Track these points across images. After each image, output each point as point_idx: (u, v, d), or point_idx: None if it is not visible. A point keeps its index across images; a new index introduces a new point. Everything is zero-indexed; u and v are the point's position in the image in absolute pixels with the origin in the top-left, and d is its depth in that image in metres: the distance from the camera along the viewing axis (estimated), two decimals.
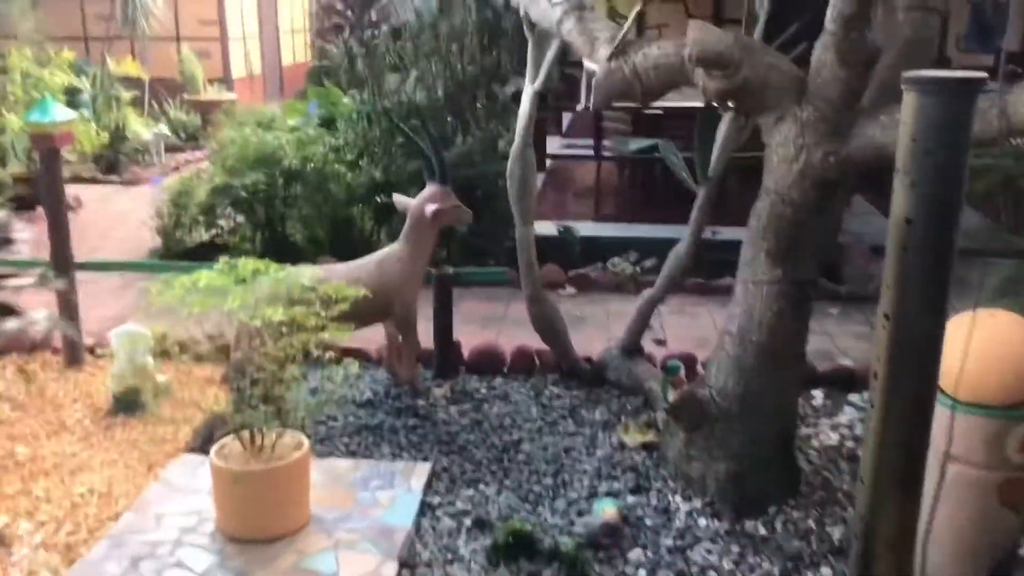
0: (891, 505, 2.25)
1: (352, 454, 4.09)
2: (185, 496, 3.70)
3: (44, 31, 10.74)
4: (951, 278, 1.91)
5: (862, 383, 4.89)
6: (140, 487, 3.80)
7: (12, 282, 3.34)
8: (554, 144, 11.92)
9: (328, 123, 7.84)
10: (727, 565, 3.34)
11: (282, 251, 7.09)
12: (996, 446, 3.01)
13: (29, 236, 7.59)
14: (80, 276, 6.08)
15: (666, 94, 3.82)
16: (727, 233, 6.58)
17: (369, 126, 6.87)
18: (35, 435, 4.23)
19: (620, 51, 3.79)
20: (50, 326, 4.60)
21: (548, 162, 10.96)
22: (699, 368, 4.81)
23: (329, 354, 3.41)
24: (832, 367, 5.02)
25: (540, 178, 10.69)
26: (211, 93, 12.65)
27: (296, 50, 16.35)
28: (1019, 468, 3.01)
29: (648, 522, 3.57)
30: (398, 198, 4.62)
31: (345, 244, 6.62)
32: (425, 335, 4.89)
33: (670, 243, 4.72)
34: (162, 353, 4.30)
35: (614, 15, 12.24)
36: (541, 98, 6.87)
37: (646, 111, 9.26)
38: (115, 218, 8.57)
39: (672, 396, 3.75)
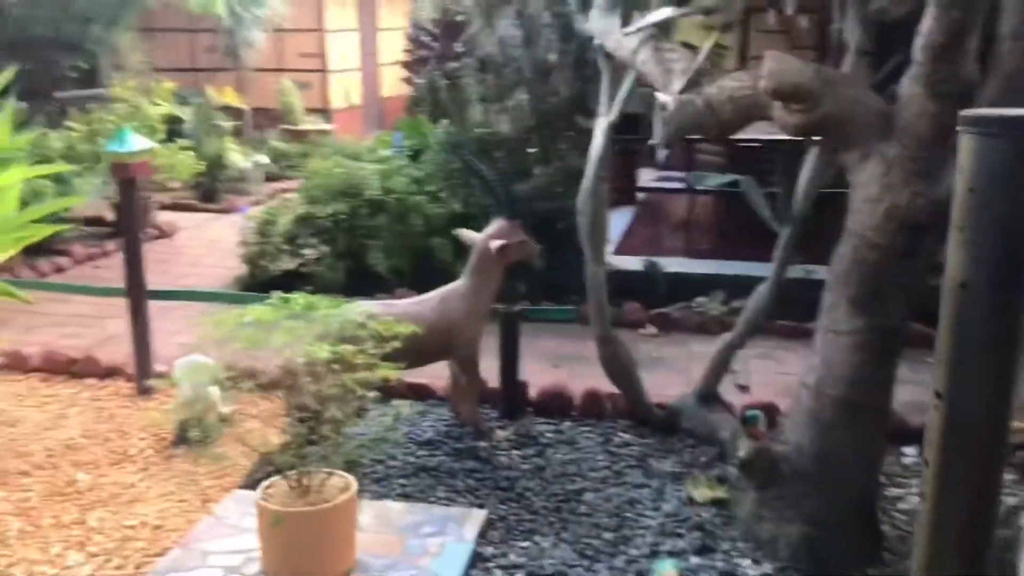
0: None
1: (407, 497, 3.96)
2: (235, 534, 3.62)
3: (151, 62, 11.15)
4: (1018, 352, 1.65)
5: None
6: (192, 522, 3.74)
7: None
8: (648, 177, 11.73)
9: (418, 154, 7.83)
10: None
11: (364, 281, 7.09)
12: None
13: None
14: (169, 304, 6.19)
15: (741, 129, 3.61)
16: (822, 272, 6.26)
17: (450, 158, 6.80)
18: (98, 463, 4.24)
19: (693, 82, 3.61)
20: None
21: (639, 195, 10.77)
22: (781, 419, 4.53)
23: (373, 394, 3.27)
24: (924, 421, 4.64)
25: (630, 212, 10.55)
26: (309, 123, 12.88)
27: (398, 82, 16.57)
28: None
29: None
30: (464, 233, 4.51)
31: (426, 275, 6.56)
32: (493, 374, 4.75)
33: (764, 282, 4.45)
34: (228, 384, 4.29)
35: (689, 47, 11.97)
36: (632, 129, 6.69)
37: (742, 144, 9.00)
38: (207, 245, 8.73)
39: (743, 450, 3.50)
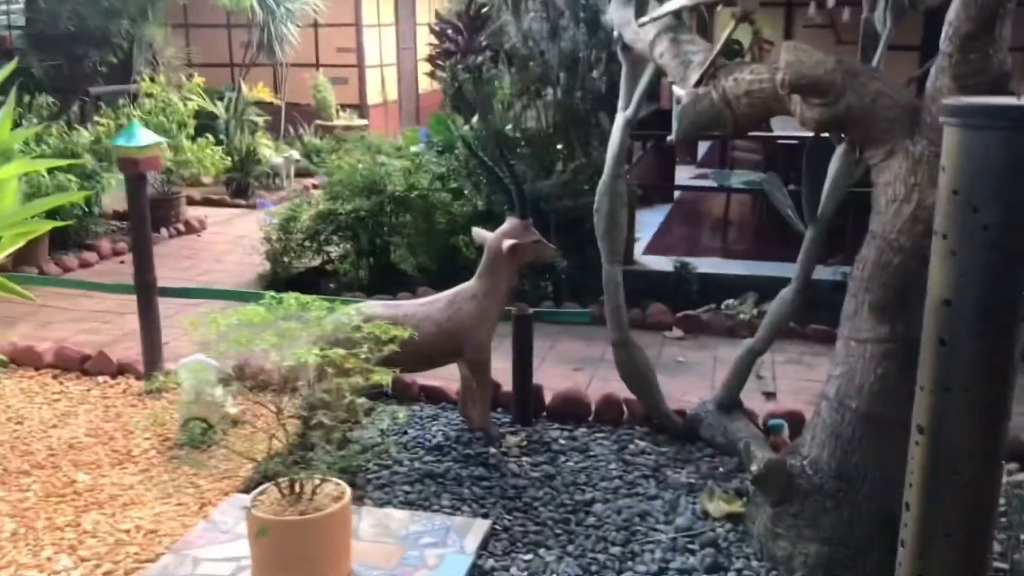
0: None
1: (410, 504, 3.82)
2: (229, 541, 3.51)
3: (186, 57, 11.16)
4: (1012, 378, 1.43)
5: None
6: (188, 527, 3.64)
7: None
8: (686, 174, 11.49)
9: (447, 151, 7.71)
10: None
11: (390, 279, 6.99)
12: None
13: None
14: (190, 301, 6.14)
15: (759, 124, 3.42)
16: None
17: (473, 154, 6.65)
18: (99, 464, 4.17)
19: (709, 75, 3.42)
20: None
21: (676, 193, 10.54)
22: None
23: (362, 401, 3.14)
24: None
25: (666, 210, 10.32)
26: (343, 119, 12.83)
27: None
28: None
29: None
30: (477, 232, 4.36)
31: (452, 274, 6.44)
32: (507, 377, 4.61)
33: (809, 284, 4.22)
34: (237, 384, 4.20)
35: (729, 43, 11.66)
36: (668, 125, 6.50)
37: (780, 141, 8.74)
38: (235, 241, 8.69)
39: (757, 464, 3.31)
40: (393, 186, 6.71)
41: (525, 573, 3.36)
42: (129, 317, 6.14)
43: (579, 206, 6.23)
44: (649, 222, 9.76)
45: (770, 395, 5.09)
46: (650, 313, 6.24)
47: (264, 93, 11.12)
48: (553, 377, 5.31)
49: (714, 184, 8.32)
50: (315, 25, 13.67)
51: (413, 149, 8.09)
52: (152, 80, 8.73)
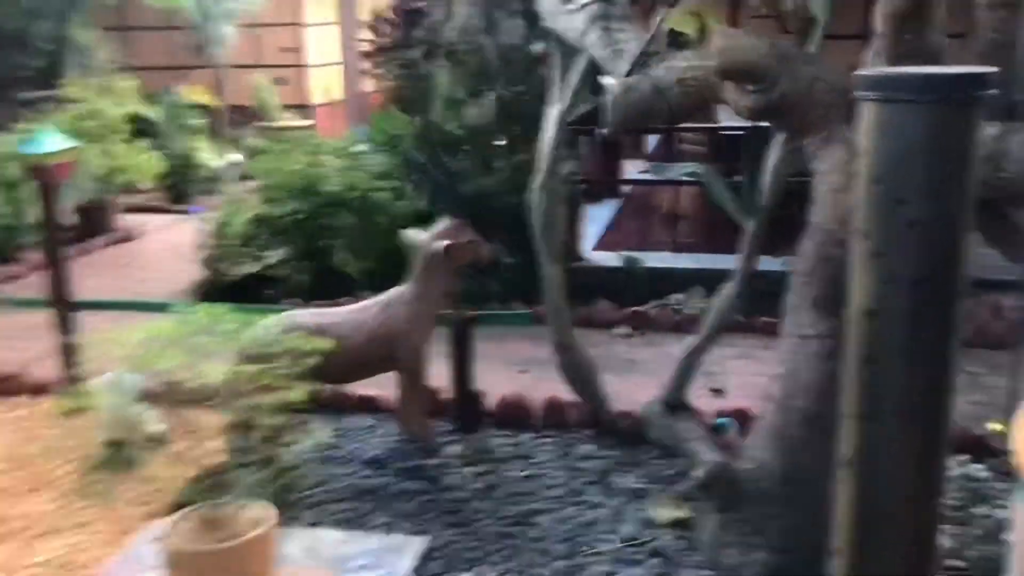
0: None
1: (344, 523, 3.64)
2: (147, 572, 3.30)
3: (120, 60, 10.80)
4: (950, 400, 1.25)
5: (953, 448, 4.17)
6: (105, 558, 3.42)
7: None
8: (634, 168, 11.36)
9: (390, 149, 7.48)
10: None
11: (333, 283, 6.76)
12: None
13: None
14: (118, 313, 5.86)
15: (694, 114, 3.27)
16: None
17: (417, 152, 6.46)
18: (16, 491, 3.93)
19: (640, 64, 3.27)
20: None
21: (625, 187, 10.41)
22: None
23: (280, 419, 2.95)
24: None
25: (615, 205, 10.19)
26: (286, 120, 12.54)
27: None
28: None
29: None
30: (408, 233, 4.18)
31: (396, 274, 6.24)
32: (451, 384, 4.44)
33: (759, 276, 4.06)
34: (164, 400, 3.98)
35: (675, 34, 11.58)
36: None
37: (726, 132, 8.64)
38: (172, 249, 8.39)
39: (701, 470, 3.17)
40: (330, 187, 6.48)
41: None
42: (28, 336, 5.87)
43: (522, 203, 6.05)
44: (597, 217, 9.62)
45: (719, 392, 4.96)
46: (597, 310, 6.10)
47: (201, 95, 10.80)
48: (498, 380, 5.13)
49: (655, 178, 8.19)
50: (256, 25, 13.34)
51: (357, 148, 7.86)
52: (80, 85, 8.38)
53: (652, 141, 13.03)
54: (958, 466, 4.08)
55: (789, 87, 2.89)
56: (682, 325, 5.92)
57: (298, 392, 2.90)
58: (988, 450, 4.10)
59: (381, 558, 3.34)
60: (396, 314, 3.96)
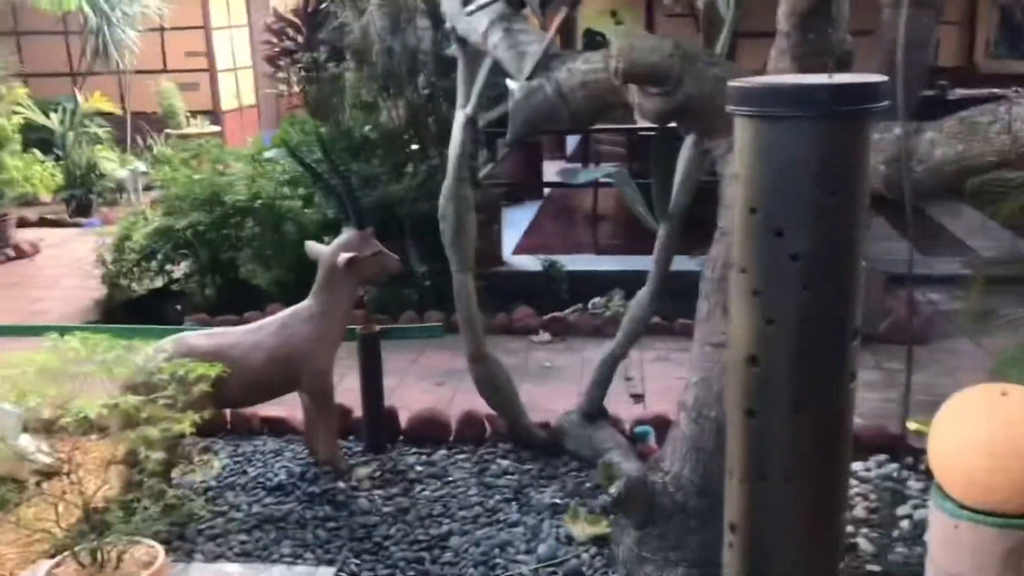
0: None
1: (246, 555, 3.43)
2: None
3: (10, 68, 10.31)
4: (847, 457, 1.10)
5: (869, 447, 4.15)
6: None
7: None
8: (555, 169, 11.27)
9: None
10: None
11: (241, 296, 6.51)
12: (1017, 566, 2.29)
13: None
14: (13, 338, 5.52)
15: (599, 118, 3.16)
16: None
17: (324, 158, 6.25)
18: None
19: (543, 67, 3.15)
20: None
21: (545, 190, 10.32)
22: None
23: (158, 455, 2.74)
24: None
25: (535, 207, 10.09)
26: (195, 127, 12.14)
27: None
28: None
29: None
30: (310, 246, 3.99)
31: (309, 284, 6.02)
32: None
33: (676, 277, 3.96)
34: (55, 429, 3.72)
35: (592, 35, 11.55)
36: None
37: (644, 133, 8.59)
38: (70, 264, 8.00)
39: (614, 487, 3.05)
40: (234, 196, 6.23)
41: None
42: None
43: (436, 208, 5.89)
44: (518, 220, 9.51)
45: (638, 397, 4.89)
46: (516, 317, 5.97)
47: (102, 102, 10.36)
48: (414, 393, 4.98)
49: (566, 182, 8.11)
50: (160, 29, 12.89)
51: (268, 155, 7.60)
52: None
53: (571, 142, 13.00)
54: (876, 466, 4.06)
55: (693, 89, 2.79)
56: (602, 329, 5.83)
57: (183, 425, 2.69)
58: (907, 449, 4.08)
59: None
60: (297, 332, 3.77)
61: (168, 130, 11.86)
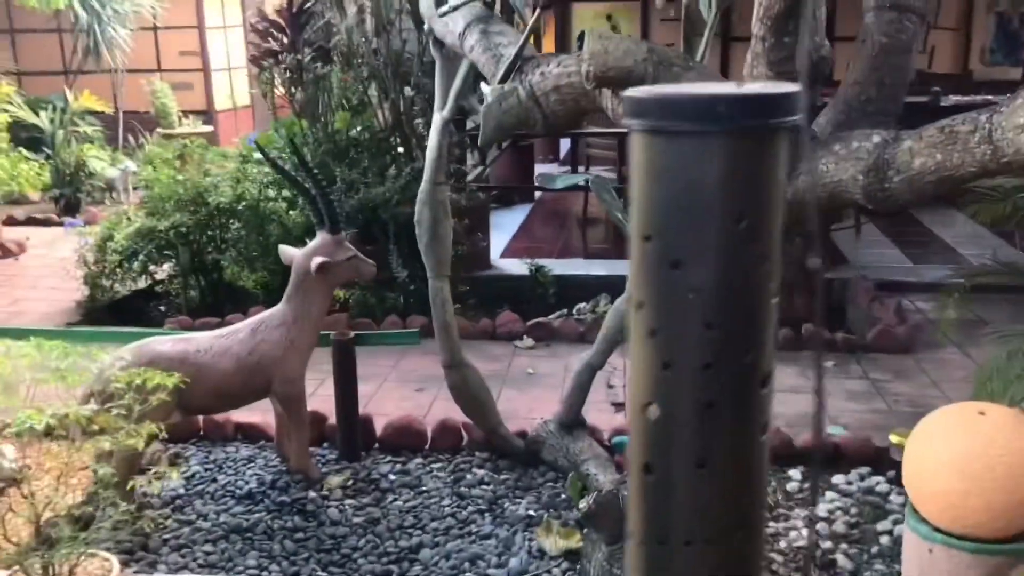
0: None
1: (210, 567, 3.35)
2: None
3: (1, 65, 10.25)
4: (761, 517, 1.00)
5: (852, 460, 4.08)
6: None
7: None
8: (548, 169, 11.20)
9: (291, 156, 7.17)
10: None
11: (225, 297, 6.44)
12: None
13: None
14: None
15: (574, 123, 3.09)
16: None
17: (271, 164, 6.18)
18: None
19: (516, 70, 3.07)
20: None
21: (537, 192, 10.25)
22: None
23: (105, 470, 2.66)
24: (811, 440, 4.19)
25: (527, 210, 10.02)
26: (187, 126, 12.07)
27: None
28: None
29: None
30: (284, 250, 3.92)
31: None
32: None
33: None
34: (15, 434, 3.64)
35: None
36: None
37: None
38: (56, 264, 7.88)
39: (584, 502, 2.98)
40: (216, 197, 6.15)
41: None
42: None
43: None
44: (508, 223, 9.44)
45: (620, 406, 4.80)
46: (500, 322, 5.89)
47: (92, 101, 10.29)
48: (393, 400, 4.91)
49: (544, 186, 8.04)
50: (154, 28, 12.83)
51: (256, 156, 7.53)
52: None
53: (565, 144, 12.94)
54: (859, 479, 3.98)
55: None
56: (587, 335, 5.74)
57: (135, 440, 2.61)
58: (889, 462, 4.01)
59: None
60: (268, 338, 3.69)
61: (160, 129, 11.79)
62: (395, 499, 3.80)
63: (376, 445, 4.27)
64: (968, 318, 4.45)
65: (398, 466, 4.09)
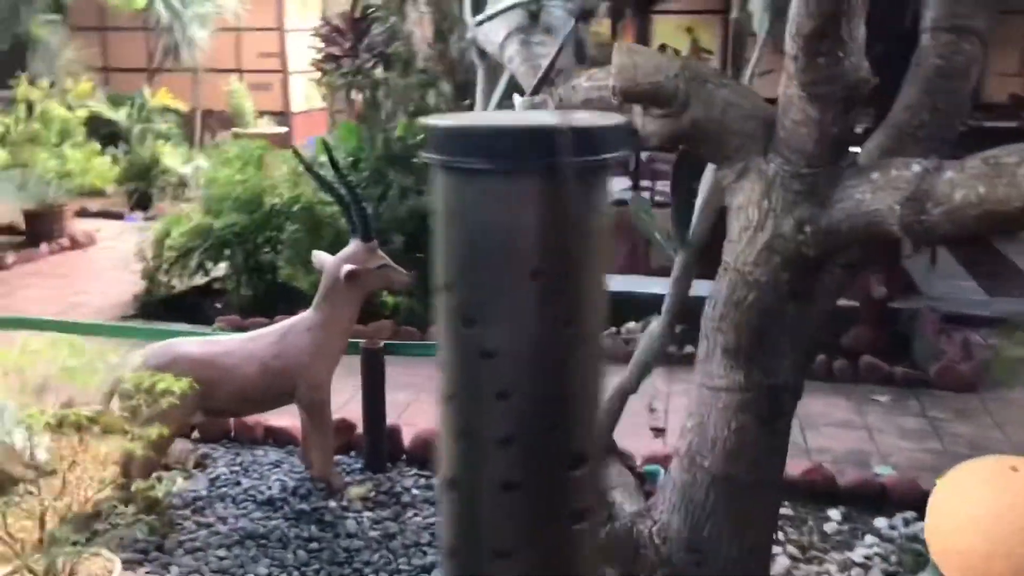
0: None
1: (222, 572, 3.33)
2: None
3: (88, 61, 10.55)
4: None
5: (898, 502, 3.87)
6: None
7: None
8: (618, 186, 11.04)
9: (357, 162, 7.20)
10: None
11: (279, 297, 6.48)
12: None
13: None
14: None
15: None
16: None
17: (355, 167, 6.18)
18: None
19: (546, 82, 2.97)
20: None
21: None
22: None
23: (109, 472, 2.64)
24: (858, 479, 3.99)
25: None
26: (262, 126, 12.26)
27: None
28: None
29: None
30: (317, 255, 3.89)
31: None
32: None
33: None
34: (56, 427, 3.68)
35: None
36: None
37: None
38: (122, 257, 8.08)
39: None
40: (272, 199, 6.19)
41: None
42: None
43: None
44: None
45: (660, 431, 4.66)
46: None
47: (167, 98, 10.52)
48: (428, 411, 4.82)
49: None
50: (236, 29, 13.09)
51: (323, 159, 7.59)
52: (32, 84, 8.10)
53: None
54: (903, 525, 3.77)
55: (700, 113, 2.58)
56: (632, 356, 5.60)
57: (138, 442, 2.58)
58: None
59: None
60: (296, 344, 3.66)
61: (235, 129, 12.01)
62: (415, 514, 3.73)
63: (403, 457, 4.20)
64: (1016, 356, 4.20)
65: (423, 480, 4.02)
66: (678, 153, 3.53)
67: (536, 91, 2.96)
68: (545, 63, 3.21)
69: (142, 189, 10.00)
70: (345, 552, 3.44)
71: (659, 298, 7.17)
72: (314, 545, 3.48)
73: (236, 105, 12.10)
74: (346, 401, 4.28)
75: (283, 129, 12.56)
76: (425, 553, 3.46)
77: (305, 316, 3.74)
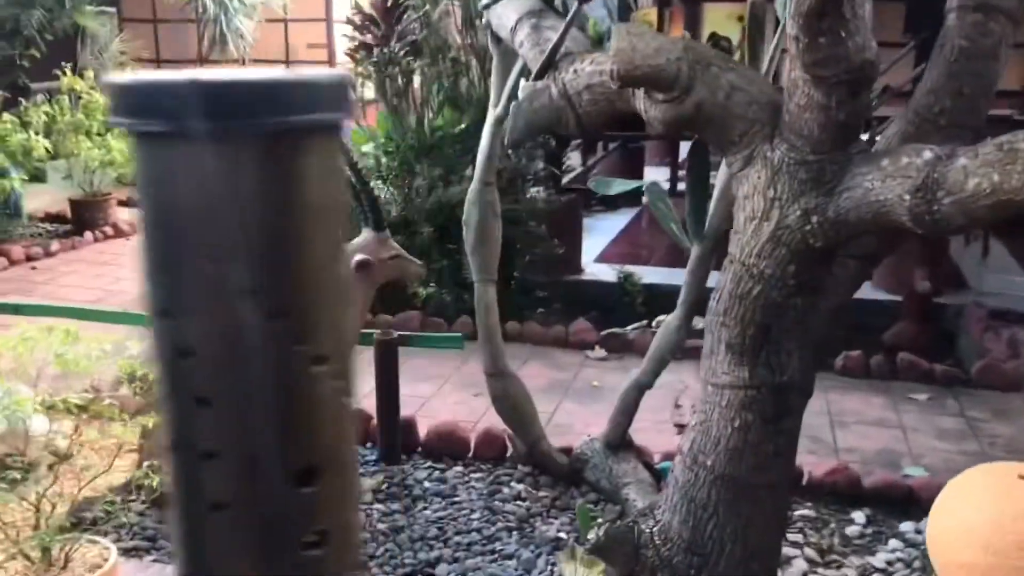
0: None
1: None
2: None
3: (136, 52, 10.69)
4: None
5: (925, 506, 3.70)
6: None
7: None
8: (660, 176, 10.87)
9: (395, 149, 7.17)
10: None
11: None
12: None
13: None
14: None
15: (606, 124, 2.87)
16: None
17: (387, 156, 6.14)
18: None
19: (549, 66, 2.89)
20: None
21: (644, 197, 9.97)
22: None
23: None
24: (883, 481, 3.83)
25: (631, 214, 9.76)
26: None
27: None
28: None
29: None
30: None
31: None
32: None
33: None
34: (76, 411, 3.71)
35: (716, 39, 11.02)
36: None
37: None
38: None
39: (593, 533, 2.76)
40: None
41: None
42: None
43: (507, 209, 5.71)
44: (609, 227, 9.23)
45: (683, 428, 4.53)
46: (573, 331, 5.70)
47: None
48: (449, 403, 4.80)
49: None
50: (284, 20, 13.19)
51: (364, 149, 7.57)
52: (77, 75, 8.21)
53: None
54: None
55: (705, 97, 2.48)
56: None
57: (123, 430, 2.57)
58: None
59: None
60: None
61: None
62: (425, 508, 3.68)
63: (419, 449, 4.16)
64: None
65: (436, 473, 3.97)
66: (692, 143, 3.43)
67: (540, 76, 2.87)
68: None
69: None
70: None
71: (706, 290, 7.05)
72: None
73: None
74: (366, 393, 4.23)
75: None
76: (431, 547, 3.40)
77: None
